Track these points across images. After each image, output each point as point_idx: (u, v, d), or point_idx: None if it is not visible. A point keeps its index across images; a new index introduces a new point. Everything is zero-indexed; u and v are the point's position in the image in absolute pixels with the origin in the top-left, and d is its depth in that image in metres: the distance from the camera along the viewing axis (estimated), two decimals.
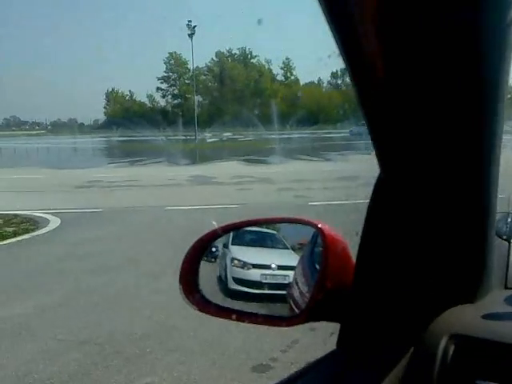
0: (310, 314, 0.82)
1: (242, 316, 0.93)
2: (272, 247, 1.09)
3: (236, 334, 3.75)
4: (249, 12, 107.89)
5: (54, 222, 7.74)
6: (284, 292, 0.97)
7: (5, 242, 6.50)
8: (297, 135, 43.13)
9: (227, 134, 55.88)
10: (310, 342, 3.73)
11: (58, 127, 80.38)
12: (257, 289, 1.03)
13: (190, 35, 49.69)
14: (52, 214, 8.37)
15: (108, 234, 7.03)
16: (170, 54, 79.78)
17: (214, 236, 1.02)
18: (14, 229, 7.30)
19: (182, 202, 9.63)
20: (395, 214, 0.69)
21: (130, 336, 3.73)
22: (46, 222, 7.80)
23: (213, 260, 1.03)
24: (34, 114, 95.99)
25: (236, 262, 1.06)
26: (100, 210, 8.87)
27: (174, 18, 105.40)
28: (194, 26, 49.65)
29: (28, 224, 7.66)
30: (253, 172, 15.45)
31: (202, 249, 1.00)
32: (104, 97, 79.91)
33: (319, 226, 0.87)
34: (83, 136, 58.71)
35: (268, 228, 1.08)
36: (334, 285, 0.79)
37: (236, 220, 0.97)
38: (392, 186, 0.66)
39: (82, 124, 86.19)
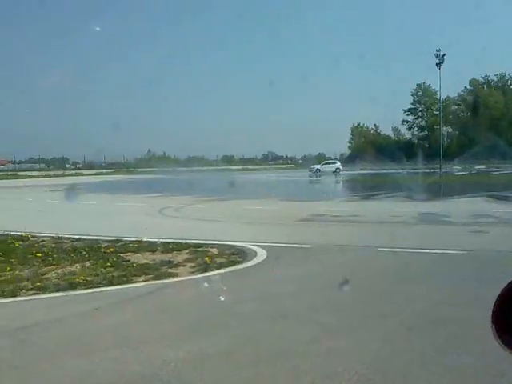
0: None
1: None
2: None
3: None
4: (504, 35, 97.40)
5: (260, 256, 7.72)
6: None
7: (205, 275, 6.67)
8: None
9: (479, 167, 51.05)
10: None
11: (307, 161, 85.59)
12: None
13: (438, 64, 47.17)
14: (263, 246, 8.42)
15: (306, 274, 6.62)
16: (418, 85, 77.89)
17: None
18: (223, 260, 7.53)
19: (399, 243, 8.60)
20: None
21: None
22: (254, 255, 7.84)
23: None
24: (287, 149, 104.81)
25: None
26: (309, 245, 8.56)
27: (423, 47, 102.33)
28: (443, 55, 46.92)
29: (237, 256, 7.82)
30: (498, 211, 13.18)
31: None
32: (349, 131, 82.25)
33: None
34: None
35: None
36: None
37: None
38: None
39: (330, 158, 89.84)
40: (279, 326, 4.56)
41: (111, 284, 6.28)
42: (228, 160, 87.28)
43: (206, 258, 7.53)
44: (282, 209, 15.77)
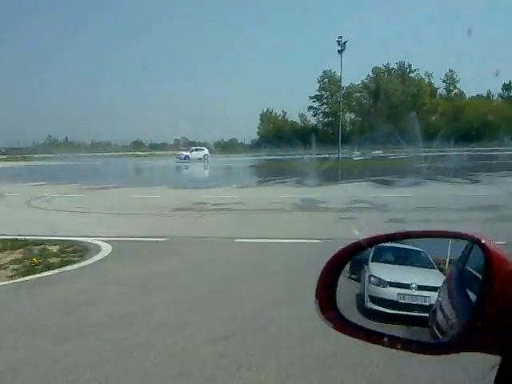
0: (464, 342, 0.73)
1: (382, 339, 0.83)
2: (416, 266, 1.01)
3: None
4: (409, 25, 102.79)
5: (102, 254, 6.91)
6: (423, 315, 0.91)
7: (22, 279, 5.73)
8: (454, 153, 38.83)
9: (377, 152, 53.32)
10: None
11: (221, 147, 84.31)
12: (392, 309, 0.98)
13: (340, 51, 48.11)
14: (114, 241, 7.65)
15: (138, 274, 5.91)
16: (324, 72, 79.46)
17: (355, 249, 0.94)
18: (56, 260, 6.63)
19: (262, 233, 8.24)
20: None
21: None
22: (96, 252, 7.02)
23: (352, 276, 1.00)
24: (201, 135, 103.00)
25: (373, 279, 1.03)
26: (165, 239, 7.89)
27: (330, 35, 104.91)
28: (345, 42, 47.81)
29: (76, 254, 6.95)
30: (374, 196, 13.32)
31: (342, 262, 0.94)
32: (259, 117, 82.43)
33: (482, 241, 0.75)
34: (237, 155, 60.83)
35: (414, 245, 0.99)
36: (497, 311, 0.68)
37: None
38: None
39: (242, 143, 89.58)
40: (61, 348, 3.77)
41: None
42: (137, 145, 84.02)
43: (34, 259, 6.57)
44: (166, 197, 14.90)
